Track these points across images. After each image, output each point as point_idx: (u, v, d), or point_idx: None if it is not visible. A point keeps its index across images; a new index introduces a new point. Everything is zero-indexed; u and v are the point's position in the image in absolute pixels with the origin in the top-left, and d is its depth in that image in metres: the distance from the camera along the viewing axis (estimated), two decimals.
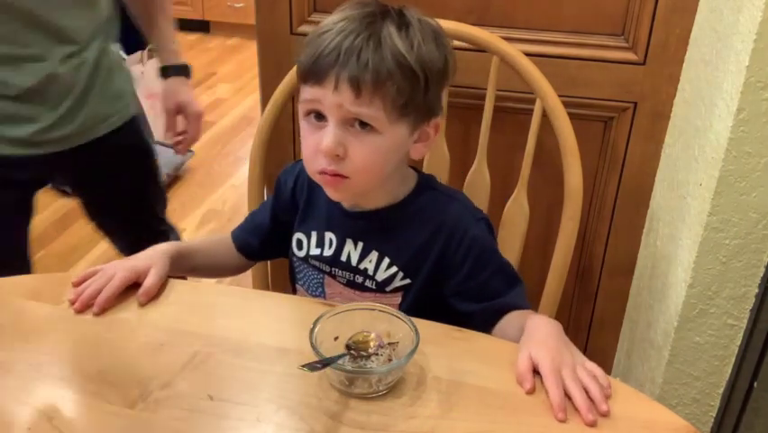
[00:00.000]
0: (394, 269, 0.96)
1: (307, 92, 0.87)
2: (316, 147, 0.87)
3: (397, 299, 0.97)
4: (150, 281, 0.92)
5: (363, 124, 0.86)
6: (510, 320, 0.91)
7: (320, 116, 0.87)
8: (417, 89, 0.87)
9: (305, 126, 0.90)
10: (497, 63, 1.15)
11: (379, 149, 0.88)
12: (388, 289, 0.97)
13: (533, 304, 0.92)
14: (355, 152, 0.86)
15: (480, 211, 1.01)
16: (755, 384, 1.05)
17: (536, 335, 0.82)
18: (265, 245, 1.10)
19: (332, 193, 0.93)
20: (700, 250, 1.04)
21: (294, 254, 1.04)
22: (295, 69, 1.16)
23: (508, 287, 0.95)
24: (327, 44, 0.84)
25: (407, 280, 0.96)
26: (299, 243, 1.03)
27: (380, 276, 0.96)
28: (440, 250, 0.94)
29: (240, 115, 3.55)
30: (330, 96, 0.84)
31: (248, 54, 4.32)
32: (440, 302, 0.96)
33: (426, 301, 0.96)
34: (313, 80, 0.86)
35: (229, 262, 1.11)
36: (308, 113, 0.89)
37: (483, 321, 0.93)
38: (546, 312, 1.12)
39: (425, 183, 0.99)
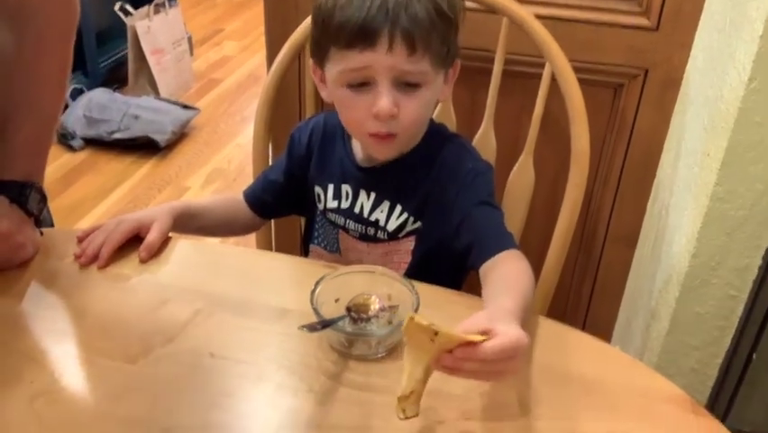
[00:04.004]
0: (405, 215, 0.97)
1: (355, 60, 0.84)
2: (367, 111, 0.86)
3: (410, 243, 0.98)
4: (151, 236, 0.93)
5: (410, 83, 0.86)
6: (491, 272, 0.86)
7: (363, 83, 0.86)
8: (453, 35, 0.88)
9: (347, 94, 0.88)
10: (507, 25, 1.13)
11: (427, 102, 0.90)
12: (400, 235, 0.98)
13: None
14: (407, 110, 0.87)
15: (483, 159, 1.00)
16: (754, 356, 1.06)
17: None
18: (279, 201, 1.10)
19: (381, 152, 0.93)
20: (705, 220, 1.03)
21: (317, 206, 1.04)
22: (303, 26, 1.16)
23: (496, 225, 0.92)
24: (371, 3, 0.81)
25: (418, 224, 0.97)
26: (318, 196, 1.04)
27: (392, 225, 0.98)
28: (441, 187, 0.95)
29: (247, 72, 3.51)
30: (383, 59, 0.83)
31: (255, 11, 4.26)
32: (453, 251, 0.95)
33: (439, 247, 0.96)
34: (363, 44, 0.83)
35: (238, 221, 1.11)
36: (353, 82, 0.86)
37: (475, 256, 0.89)
38: (548, 279, 1.12)
39: (434, 130, 0.99)
